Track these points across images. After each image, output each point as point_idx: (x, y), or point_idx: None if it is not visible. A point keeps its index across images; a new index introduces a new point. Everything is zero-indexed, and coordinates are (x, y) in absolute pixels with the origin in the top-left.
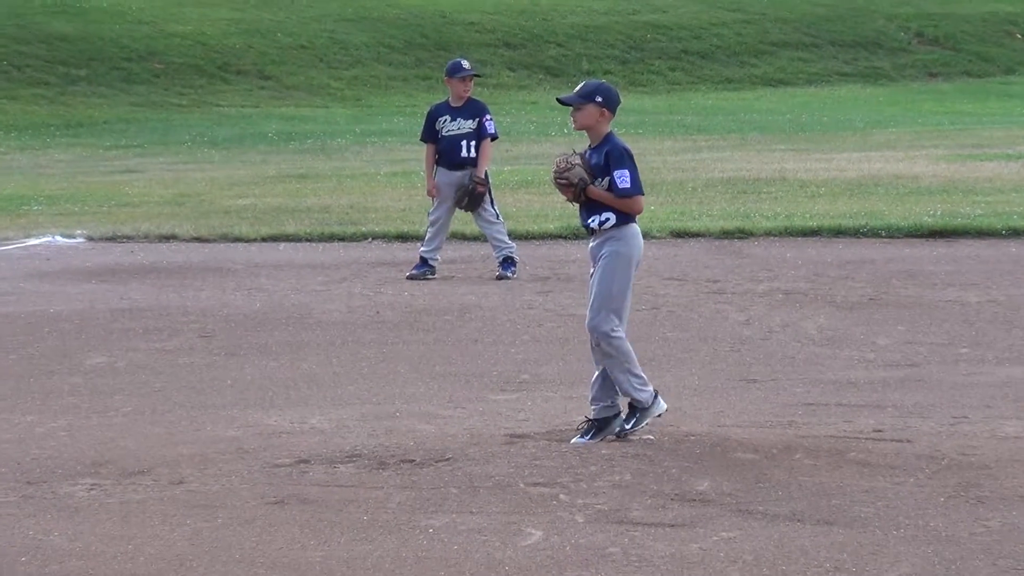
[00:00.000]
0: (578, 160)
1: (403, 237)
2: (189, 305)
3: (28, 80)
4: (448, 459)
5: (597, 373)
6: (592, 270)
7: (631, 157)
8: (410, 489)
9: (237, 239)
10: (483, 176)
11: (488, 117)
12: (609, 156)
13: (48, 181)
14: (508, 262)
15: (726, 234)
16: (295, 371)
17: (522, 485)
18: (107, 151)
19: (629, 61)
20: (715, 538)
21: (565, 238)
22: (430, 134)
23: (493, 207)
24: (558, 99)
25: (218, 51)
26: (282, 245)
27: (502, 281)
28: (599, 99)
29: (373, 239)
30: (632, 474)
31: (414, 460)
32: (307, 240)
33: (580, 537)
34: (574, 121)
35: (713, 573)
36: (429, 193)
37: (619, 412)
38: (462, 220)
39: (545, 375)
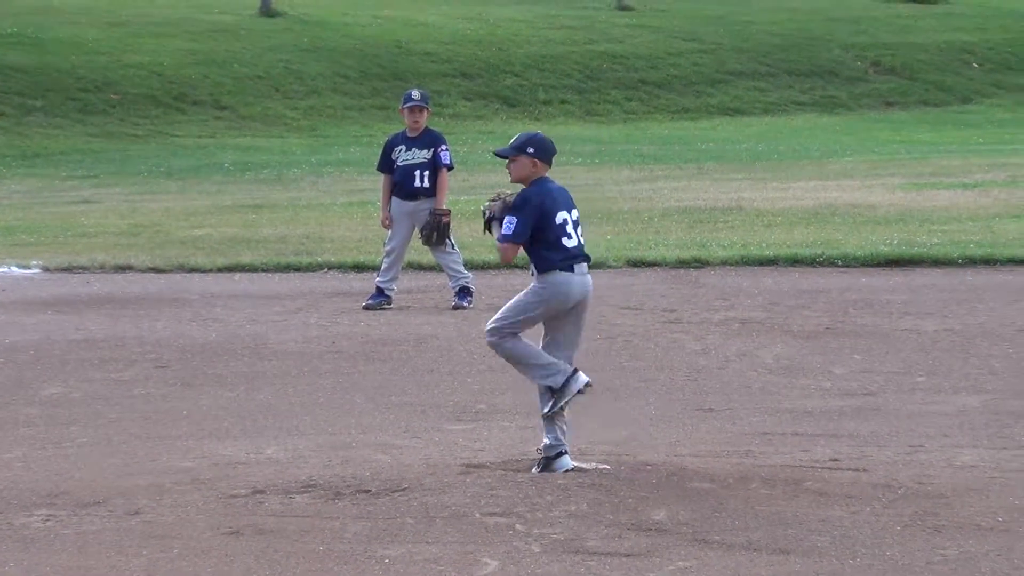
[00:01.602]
0: (508, 195)
1: (359, 267)
2: (145, 335)
3: None
4: (404, 489)
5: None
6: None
7: (531, 206)
8: (366, 519)
9: (193, 269)
10: (443, 208)
11: (443, 147)
12: (517, 198)
13: (3, 212)
14: (464, 292)
15: (682, 263)
16: (251, 401)
17: (478, 515)
18: (63, 181)
19: (586, 91)
20: (671, 567)
21: (523, 268)
22: (386, 164)
23: (450, 237)
24: (494, 152)
25: (174, 82)
26: (238, 275)
27: (458, 311)
28: (531, 150)
29: (329, 269)
30: (588, 503)
31: (370, 490)
32: (263, 270)
33: (536, 567)
34: (509, 173)
35: None
36: (383, 223)
37: (561, 451)
38: (419, 250)
39: (501, 405)
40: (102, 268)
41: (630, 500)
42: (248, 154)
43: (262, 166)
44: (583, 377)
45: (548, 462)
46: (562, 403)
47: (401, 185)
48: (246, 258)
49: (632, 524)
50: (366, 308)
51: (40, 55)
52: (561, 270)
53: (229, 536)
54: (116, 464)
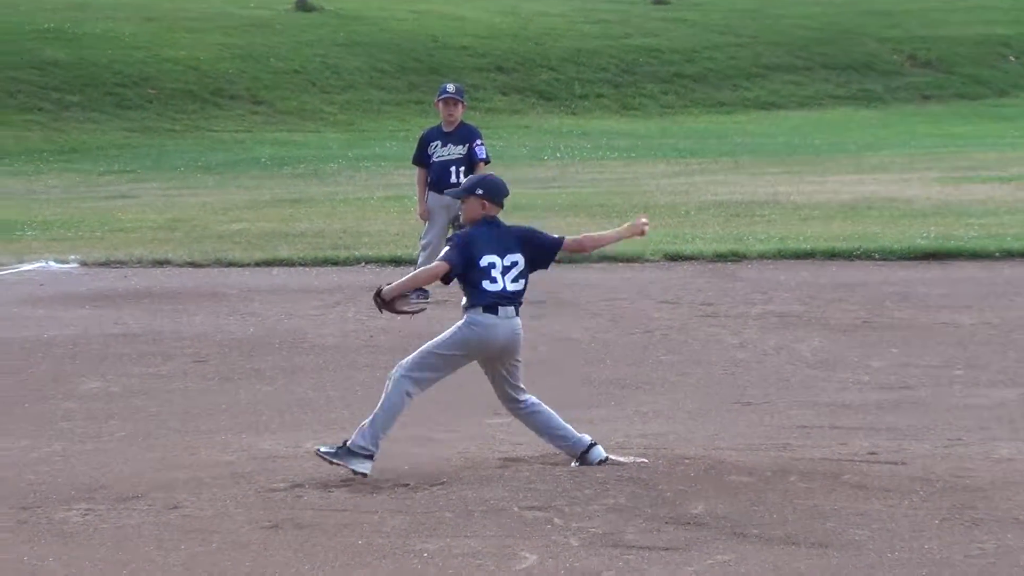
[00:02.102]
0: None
1: (396, 261)
2: (183, 330)
3: (21, 106)
4: (443, 483)
5: (542, 436)
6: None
7: (459, 243)
8: (405, 513)
9: (231, 264)
10: None
11: (478, 142)
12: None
13: (42, 207)
14: None
15: (720, 257)
16: (289, 395)
17: (517, 509)
18: (100, 177)
19: (621, 84)
20: (710, 561)
21: (558, 263)
22: (421, 158)
23: None
24: (445, 192)
25: (211, 76)
26: (276, 270)
27: None
28: (480, 192)
29: (366, 263)
30: (627, 497)
31: (408, 484)
32: (301, 265)
33: (575, 560)
34: (462, 212)
35: None
36: (421, 216)
37: (590, 443)
38: None
39: (540, 398)
40: (140, 263)
41: (668, 494)
42: (285, 149)
43: (299, 161)
44: (369, 465)
45: (583, 456)
46: (339, 462)
47: (437, 181)
48: (284, 252)
49: (670, 518)
50: None
51: (77, 50)
52: (485, 310)
53: (268, 530)
54: (155, 458)
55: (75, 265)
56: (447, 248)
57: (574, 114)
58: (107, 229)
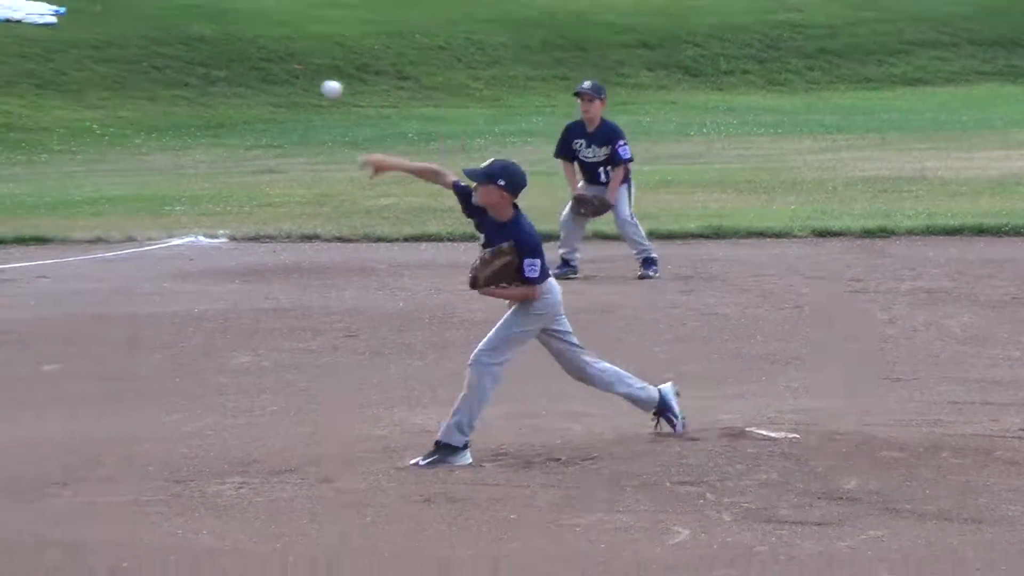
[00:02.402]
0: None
1: (544, 237)
2: (333, 305)
3: (168, 81)
4: (594, 458)
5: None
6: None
7: (539, 245)
8: (556, 488)
9: (379, 239)
10: (612, 202)
11: (621, 143)
12: (521, 243)
13: (190, 181)
14: (649, 262)
15: (868, 233)
16: (440, 370)
17: (668, 484)
18: (248, 151)
19: (766, 60)
20: (863, 537)
21: (707, 237)
22: (565, 151)
23: (629, 209)
24: (464, 171)
25: (357, 52)
26: (424, 245)
27: (644, 280)
28: (501, 182)
29: None
30: (779, 473)
31: (560, 459)
32: (449, 240)
33: (727, 536)
34: (476, 194)
35: (861, 572)
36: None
37: (660, 394)
38: (605, 220)
39: (690, 374)
40: (288, 237)
41: (820, 469)
42: (431, 124)
43: (445, 136)
44: (469, 456)
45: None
46: (439, 465)
47: (587, 177)
48: (432, 227)
49: (823, 493)
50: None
51: (224, 25)
52: (547, 277)
53: (421, 504)
54: (307, 432)
55: (224, 240)
56: (540, 264)
57: (720, 90)
58: (255, 204)
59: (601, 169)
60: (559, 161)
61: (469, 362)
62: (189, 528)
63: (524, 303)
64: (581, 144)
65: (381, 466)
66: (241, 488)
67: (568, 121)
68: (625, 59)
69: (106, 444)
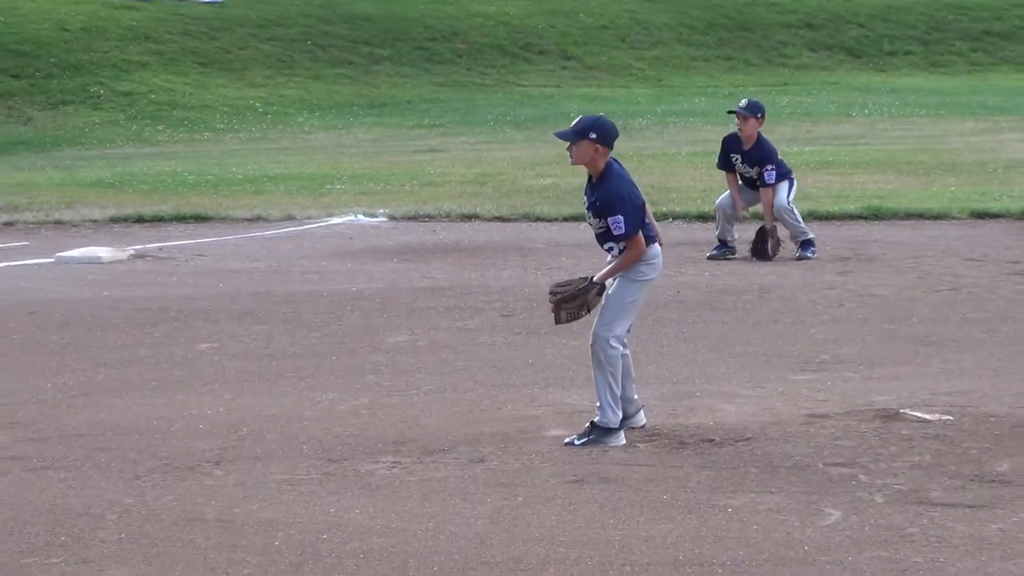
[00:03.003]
0: (581, 297)
1: (703, 217)
2: (491, 284)
3: (332, 60)
4: (747, 439)
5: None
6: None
7: (623, 200)
8: (709, 468)
9: (539, 219)
10: (771, 226)
11: (769, 168)
12: (602, 202)
13: (351, 160)
14: (807, 243)
15: None
16: None
17: (821, 465)
18: (410, 131)
19: (930, 42)
20: (1015, 519)
21: (865, 219)
22: (725, 164)
23: (789, 197)
24: (555, 133)
25: (520, 31)
26: (583, 225)
27: (802, 261)
28: (593, 135)
29: (674, 219)
30: (931, 455)
31: (713, 440)
32: None
33: (879, 517)
34: (571, 156)
35: (1013, 555)
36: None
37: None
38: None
39: (845, 355)
40: (448, 217)
41: (973, 451)
42: (594, 104)
43: (608, 116)
44: (623, 438)
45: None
46: (597, 444)
47: (745, 185)
48: None
49: (975, 476)
50: (710, 258)
51: (388, 4)
52: (648, 243)
53: (573, 484)
54: (461, 412)
55: (383, 219)
56: (624, 218)
57: (882, 71)
58: (415, 183)
59: (756, 182)
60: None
61: (590, 342)
62: (341, 507)
63: (628, 270)
64: (737, 159)
65: (535, 446)
66: (394, 468)
67: (725, 134)
68: (788, 39)
69: (261, 423)
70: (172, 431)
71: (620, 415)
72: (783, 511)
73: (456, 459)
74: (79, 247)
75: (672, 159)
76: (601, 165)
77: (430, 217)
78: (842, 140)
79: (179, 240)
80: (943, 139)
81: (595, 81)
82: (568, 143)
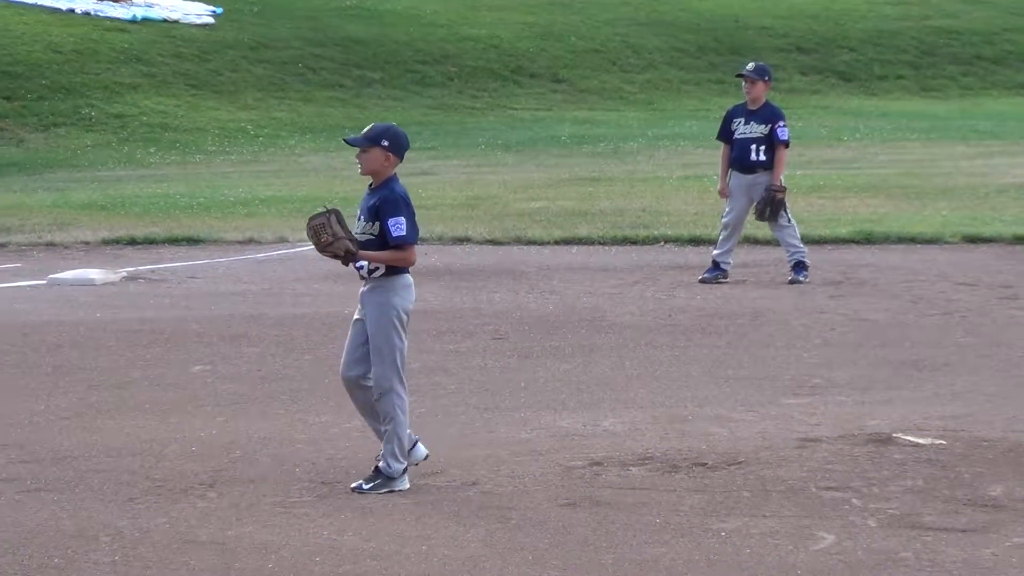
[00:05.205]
0: (338, 229)
1: (695, 241)
2: (482, 307)
3: (323, 83)
4: (740, 463)
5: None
6: (356, 316)
7: (408, 205)
8: (702, 492)
9: (530, 242)
10: (780, 183)
11: (780, 124)
12: (383, 202)
13: (342, 183)
14: (800, 266)
15: (1019, 239)
16: (587, 374)
17: (814, 489)
18: None
19: (921, 66)
20: (1008, 544)
21: (857, 243)
22: (725, 134)
23: (787, 211)
24: (344, 140)
25: (511, 55)
26: (575, 248)
27: (794, 285)
28: (385, 143)
29: (665, 243)
30: (924, 479)
31: (706, 463)
32: (599, 243)
33: (872, 541)
34: (360, 164)
35: None
36: (720, 193)
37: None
38: (755, 224)
39: (837, 379)
40: (440, 240)
41: (966, 476)
42: (585, 127)
43: (598, 139)
44: (407, 482)
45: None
46: (383, 491)
47: (738, 158)
48: (583, 231)
49: (968, 500)
50: (702, 282)
51: (379, 27)
52: (405, 272)
53: (566, 507)
54: (454, 434)
55: None
56: (407, 221)
57: (873, 95)
58: None
59: (753, 147)
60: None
61: (374, 398)
62: (335, 529)
63: (382, 311)
64: (740, 122)
65: (527, 469)
66: (387, 491)
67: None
68: (779, 63)
69: (255, 445)
70: (165, 453)
71: (404, 463)
72: (776, 535)
73: (449, 481)
74: (71, 269)
75: (663, 182)
76: (387, 175)
77: (421, 240)
78: (834, 164)
79: (171, 262)
80: (934, 163)
81: (586, 104)
82: (358, 150)
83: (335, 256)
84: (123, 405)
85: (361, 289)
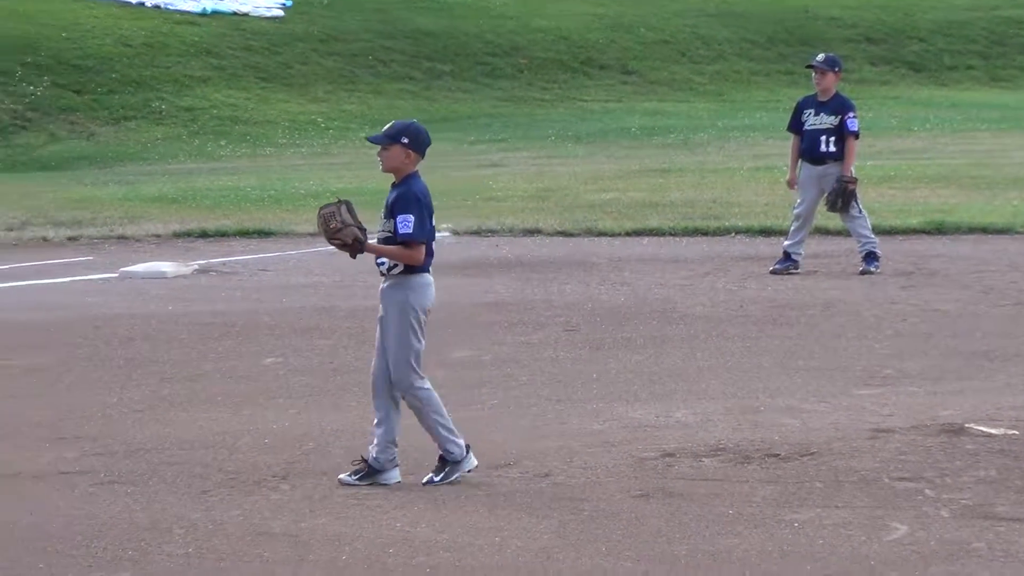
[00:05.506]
0: (348, 217)
1: (766, 232)
2: (554, 299)
3: (393, 75)
4: (813, 453)
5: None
6: (380, 313)
7: (420, 203)
8: (775, 483)
9: (601, 233)
10: (850, 174)
11: (851, 115)
12: (397, 199)
13: None
14: (871, 257)
15: None
16: (659, 365)
17: (887, 480)
18: (471, 146)
19: (991, 56)
20: None
21: (928, 233)
22: (795, 125)
23: (857, 202)
24: (366, 138)
25: (581, 46)
26: (645, 239)
27: (865, 276)
28: (405, 140)
29: (736, 234)
30: (997, 469)
31: (779, 454)
32: (670, 234)
33: (945, 532)
34: (381, 161)
35: None
36: (789, 184)
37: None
38: (827, 215)
39: (909, 370)
40: (511, 232)
41: None
42: (654, 119)
43: (668, 130)
44: (474, 459)
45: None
46: (454, 477)
47: (808, 149)
48: (653, 222)
49: None
50: (773, 273)
51: (449, 19)
52: (425, 271)
53: (638, 499)
54: (526, 426)
55: (446, 234)
56: (415, 219)
57: (943, 85)
58: (478, 198)
59: (823, 138)
60: (791, 137)
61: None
62: (407, 521)
63: (398, 304)
64: (810, 113)
65: (600, 460)
66: (459, 482)
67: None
68: (849, 54)
69: (327, 437)
70: (238, 445)
71: (460, 442)
72: (848, 525)
73: (522, 473)
74: (143, 262)
75: (733, 173)
76: (407, 172)
77: (493, 232)
78: (904, 154)
79: (242, 255)
80: (1005, 153)
81: (656, 96)
82: (379, 148)
83: (344, 245)
84: (195, 398)
85: (381, 286)
